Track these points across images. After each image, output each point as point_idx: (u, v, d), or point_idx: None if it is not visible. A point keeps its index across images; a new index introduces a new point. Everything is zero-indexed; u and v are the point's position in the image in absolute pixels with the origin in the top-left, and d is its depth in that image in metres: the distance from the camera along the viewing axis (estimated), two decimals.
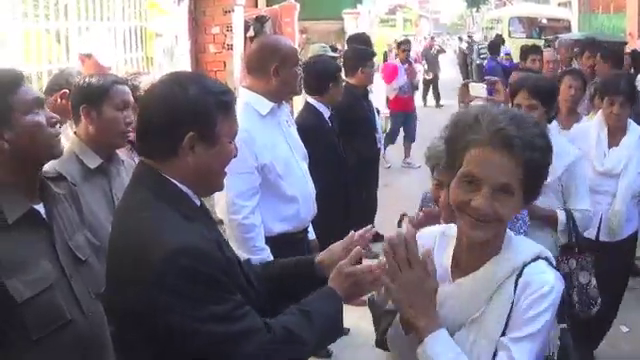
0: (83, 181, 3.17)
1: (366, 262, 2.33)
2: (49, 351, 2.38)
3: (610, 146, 4.87)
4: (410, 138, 12.54)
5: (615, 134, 4.88)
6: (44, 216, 2.50)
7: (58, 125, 2.56)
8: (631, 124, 4.93)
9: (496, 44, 15.84)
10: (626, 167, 4.82)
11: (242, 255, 3.44)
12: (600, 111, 4.99)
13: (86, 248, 2.67)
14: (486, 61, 15.66)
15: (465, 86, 5.89)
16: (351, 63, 6.79)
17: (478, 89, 5.12)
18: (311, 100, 5.69)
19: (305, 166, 4.16)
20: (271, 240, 3.89)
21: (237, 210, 3.74)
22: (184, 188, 2.14)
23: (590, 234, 4.67)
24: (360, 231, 2.48)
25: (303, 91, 5.17)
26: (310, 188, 4.13)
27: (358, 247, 2.36)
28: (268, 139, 3.85)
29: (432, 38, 31.72)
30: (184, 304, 1.96)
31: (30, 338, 2.34)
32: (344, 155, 5.78)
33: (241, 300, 2.07)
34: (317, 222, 4.42)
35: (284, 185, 3.89)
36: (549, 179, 3.17)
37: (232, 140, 2.23)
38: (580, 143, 4.66)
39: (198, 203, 2.21)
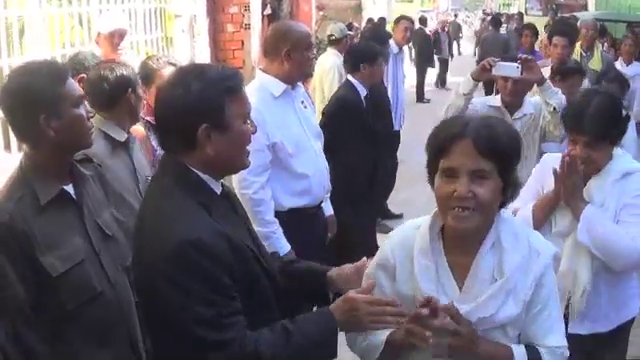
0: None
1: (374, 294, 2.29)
2: (82, 320, 2.60)
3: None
4: None
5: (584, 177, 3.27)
6: (74, 196, 2.70)
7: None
8: (617, 157, 3.28)
9: None
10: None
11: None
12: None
13: (113, 224, 2.88)
14: None
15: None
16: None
17: (507, 68, 4.39)
18: (350, 78, 6.02)
19: (319, 145, 4.34)
20: (283, 215, 4.09)
21: (248, 185, 3.93)
22: (205, 177, 2.27)
23: None
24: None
25: None
26: (322, 166, 4.31)
27: (371, 282, 2.33)
28: (279, 119, 4.04)
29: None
30: (179, 295, 2.09)
31: (65, 308, 2.55)
32: (374, 133, 6.01)
33: (232, 308, 2.14)
34: (342, 194, 4.72)
35: (295, 163, 4.08)
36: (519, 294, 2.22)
37: (246, 119, 2.33)
38: (542, 178, 3.40)
39: (219, 191, 2.33)
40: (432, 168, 2.24)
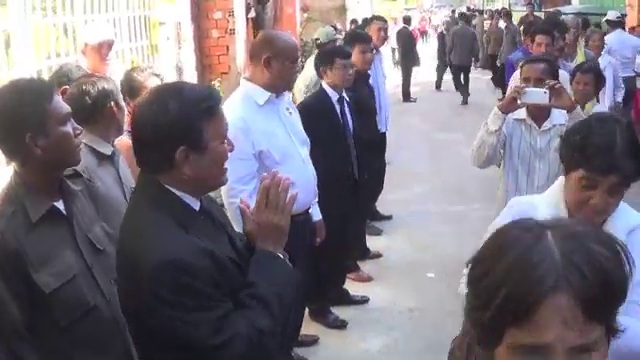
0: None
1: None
2: (77, 335, 2.62)
3: None
4: None
5: None
6: (64, 212, 2.72)
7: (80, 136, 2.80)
8: (620, 214, 2.52)
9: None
10: None
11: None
12: (557, 184, 2.65)
13: (104, 238, 2.90)
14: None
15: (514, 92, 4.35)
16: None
17: (535, 95, 4.16)
18: (323, 83, 5.93)
19: (305, 152, 4.36)
20: None
21: (235, 194, 3.93)
22: (182, 195, 2.26)
23: None
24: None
25: None
26: (310, 173, 4.34)
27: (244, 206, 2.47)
28: (265, 127, 4.06)
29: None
30: (172, 311, 2.09)
31: (59, 325, 2.57)
32: (348, 136, 5.97)
33: (224, 309, 2.16)
34: (323, 201, 4.70)
35: (281, 170, 4.03)
36: None
37: (223, 139, 2.31)
38: None
39: (197, 207, 2.32)
40: (489, 335, 1.25)
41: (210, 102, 2.26)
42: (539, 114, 4.40)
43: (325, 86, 5.84)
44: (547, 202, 2.57)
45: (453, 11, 35.23)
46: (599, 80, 5.91)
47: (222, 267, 2.22)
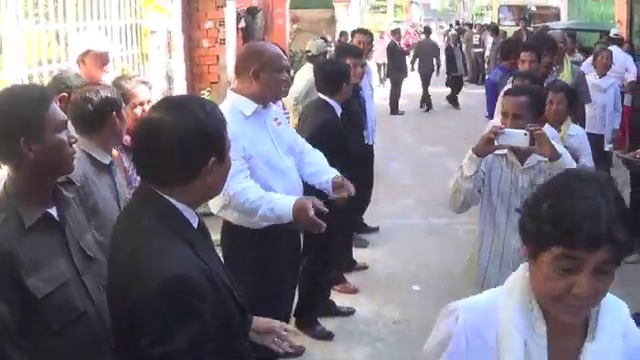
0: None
1: None
2: (67, 340, 2.63)
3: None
4: None
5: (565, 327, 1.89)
6: (57, 219, 2.73)
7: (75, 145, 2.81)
8: (608, 310, 1.95)
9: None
10: None
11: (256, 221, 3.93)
12: (519, 274, 1.97)
13: (94, 246, 2.92)
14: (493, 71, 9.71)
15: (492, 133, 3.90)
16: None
17: (515, 136, 3.78)
18: (324, 97, 5.95)
19: (291, 161, 4.34)
20: (261, 232, 4.08)
21: (227, 188, 3.83)
22: (185, 209, 2.24)
23: None
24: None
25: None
26: (295, 182, 4.31)
27: None
28: (251, 137, 4.05)
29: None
30: (161, 331, 2.04)
31: (51, 329, 2.59)
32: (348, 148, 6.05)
33: (209, 350, 2.13)
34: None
35: (267, 179, 4.09)
36: None
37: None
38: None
39: (196, 224, 2.30)
40: None
41: (223, 114, 2.31)
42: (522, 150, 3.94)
43: (330, 101, 5.87)
44: (513, 302, 1.91)
45: (450, 25, 35.32)
46: (572, 98, 5.68)
47: (217, 289, 2.22)
